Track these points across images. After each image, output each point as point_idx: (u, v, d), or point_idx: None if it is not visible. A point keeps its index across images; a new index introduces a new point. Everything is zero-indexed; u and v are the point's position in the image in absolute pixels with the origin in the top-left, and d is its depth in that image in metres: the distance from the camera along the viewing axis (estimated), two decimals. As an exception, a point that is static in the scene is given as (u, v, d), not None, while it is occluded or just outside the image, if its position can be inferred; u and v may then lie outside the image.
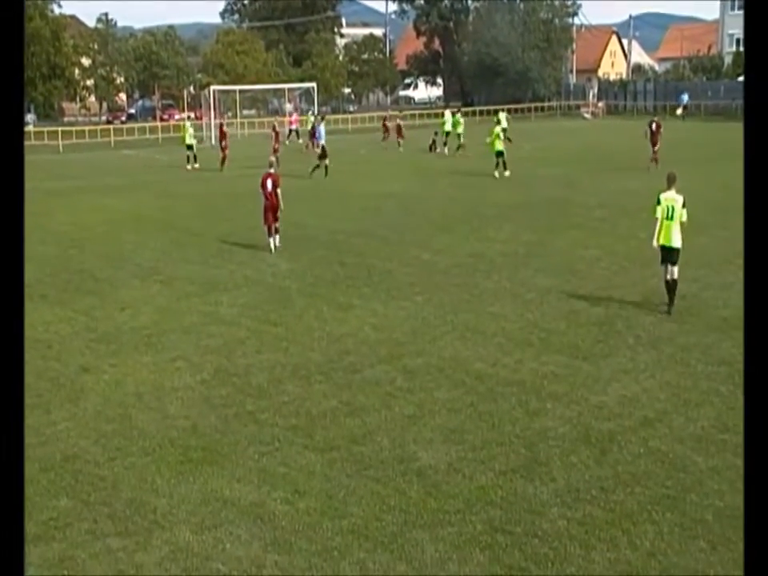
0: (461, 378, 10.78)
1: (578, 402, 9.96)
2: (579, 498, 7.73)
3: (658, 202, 13.39)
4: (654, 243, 13.45)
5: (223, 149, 36.99)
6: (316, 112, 54.27)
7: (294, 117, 53.62)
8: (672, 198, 13.31)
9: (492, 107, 53.18)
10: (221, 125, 39.10)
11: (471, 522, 7.35)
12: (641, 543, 6.98)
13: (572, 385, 10.49)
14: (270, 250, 18.93)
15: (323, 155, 32.53)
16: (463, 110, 58.20)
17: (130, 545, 7.12)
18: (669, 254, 13.33)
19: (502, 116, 42.39)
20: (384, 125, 48.74)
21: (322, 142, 33.04)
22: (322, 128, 33.91)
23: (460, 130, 41.07)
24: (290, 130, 50.73)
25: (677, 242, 13.30)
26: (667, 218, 13.25)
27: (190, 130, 38.86)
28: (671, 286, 13.39)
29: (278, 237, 19.25)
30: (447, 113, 44.73)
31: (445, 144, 41.35)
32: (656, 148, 32.37)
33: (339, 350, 12.00)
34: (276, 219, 19.17)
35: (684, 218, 13.31)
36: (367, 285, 15.68)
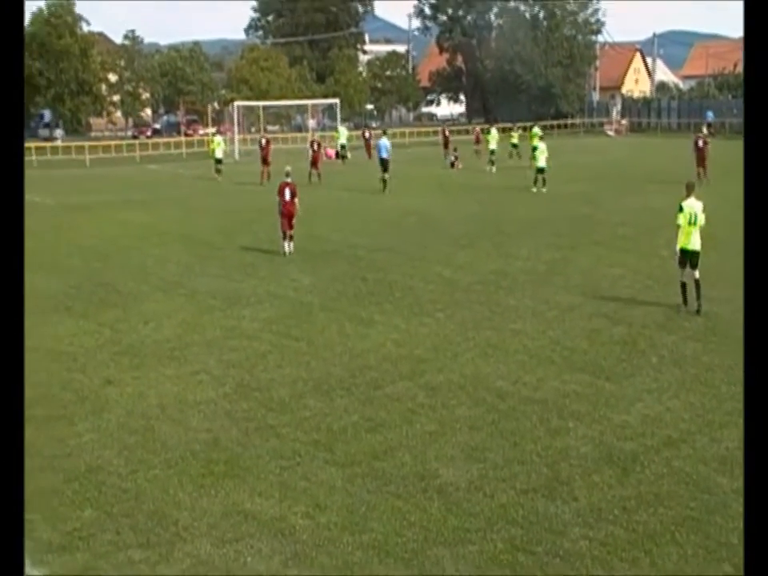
0: (482, 396, 10.77)
1: (600, 421, 9.92)
2: (601, 517, 7.69)
3: (681, 210, 14.39)
4: (679, 246, 14.42)
5: (267, 164, 36.97)
6: (339, 126, 54.53)
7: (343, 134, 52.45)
8: (693, 206, 14.36)
9: (517, 124, 53.12)
10: (267, 140, 38.98)
11: (492, 541, 7.33)
12: (663, 565, 6.93)
13: (594, 404, 10.44)
14: (284, 253, 20.18)
15: (385, 168, 32.60)
16: (485, 126, 58.17)
17: (152, 557, 7.16)
18: (691, 257, 14.35)
19: (537, 131, 41.69)
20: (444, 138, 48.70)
21: (385, 155, 32.86)
22: (385, 141, 33.64)
23: (535, 142, 38.88)
24: (338, 149, 49.24)
25: (698, 245, 14.42)
26: (690, 223, 14.32)
27: (222, 144, 40.02)
28: (697, 286, 14.31)
29: (291, 243, 20.46)
30: (494, 130, 43.15)
31: (492, 163, 40.29)
32: (705, 163, 32.10)
33: (361, 366, 12.03)
34: (291, 226, 20.47)
35: (702, 222, 14.40)
36: (389, 301, 15.70)
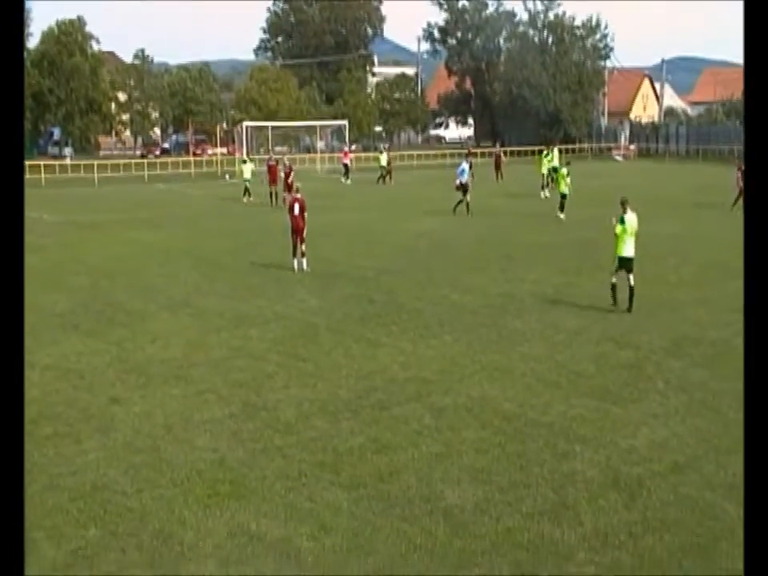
0: (489, 419, 10.76)
1: (606, 445, 9.89)
2: (607, 542, 7.65)
3: (622, 222, 16.35)
4: (622, 254, 16.32)
5: (271, 184, 37.31)
6: (348, 148, 54.94)
7: (346, 151, 54.01)
8: (631, 218, 16.46)
9: (524, 148, 53.37)
10: (275, 161, 39.17)
11: (497, 564, 7.30)
12: (670, 591, 6.89)
13: (601, 428, 10.42)
14: (293, 269, 20.56)
15: (465, 190, 32.98)
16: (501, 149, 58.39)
17: (156, 577, 7.14)
18: (628, 263, 16.39)
19: (555, 153, 41.99)
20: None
21: (464, 179, 33.37)
22: (465, 165, 34.12)
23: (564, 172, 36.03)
24: (345, 165, 51.02)
25: (633, 252, 16.47)
26: (630, 233, 16.34)
27: (251, 166, 40.37)
28: (631, 290, 16.25)
29: (304, 260, 20.74)
30: (556, 150, 43.29)
31: (546, 185, 39.78)
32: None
33: (367, 387, 12.02)
34: (302, 241, 20.71)
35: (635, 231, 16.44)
36: (396, 323, 15.71)
